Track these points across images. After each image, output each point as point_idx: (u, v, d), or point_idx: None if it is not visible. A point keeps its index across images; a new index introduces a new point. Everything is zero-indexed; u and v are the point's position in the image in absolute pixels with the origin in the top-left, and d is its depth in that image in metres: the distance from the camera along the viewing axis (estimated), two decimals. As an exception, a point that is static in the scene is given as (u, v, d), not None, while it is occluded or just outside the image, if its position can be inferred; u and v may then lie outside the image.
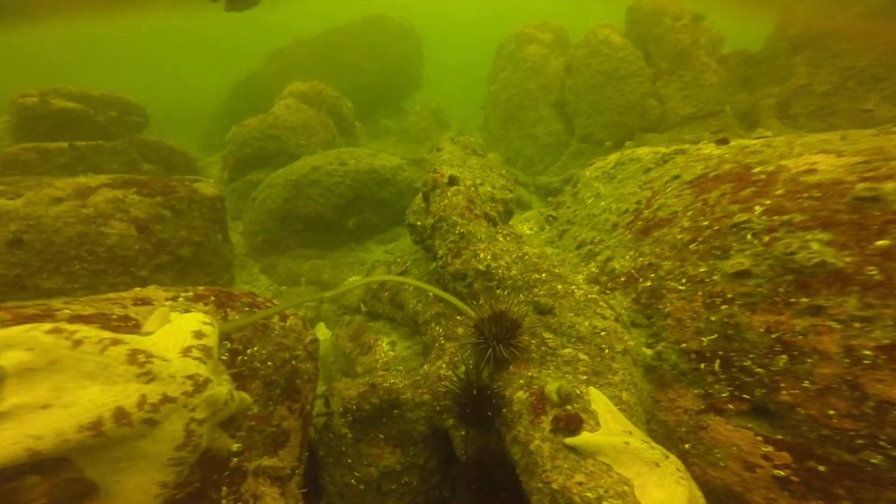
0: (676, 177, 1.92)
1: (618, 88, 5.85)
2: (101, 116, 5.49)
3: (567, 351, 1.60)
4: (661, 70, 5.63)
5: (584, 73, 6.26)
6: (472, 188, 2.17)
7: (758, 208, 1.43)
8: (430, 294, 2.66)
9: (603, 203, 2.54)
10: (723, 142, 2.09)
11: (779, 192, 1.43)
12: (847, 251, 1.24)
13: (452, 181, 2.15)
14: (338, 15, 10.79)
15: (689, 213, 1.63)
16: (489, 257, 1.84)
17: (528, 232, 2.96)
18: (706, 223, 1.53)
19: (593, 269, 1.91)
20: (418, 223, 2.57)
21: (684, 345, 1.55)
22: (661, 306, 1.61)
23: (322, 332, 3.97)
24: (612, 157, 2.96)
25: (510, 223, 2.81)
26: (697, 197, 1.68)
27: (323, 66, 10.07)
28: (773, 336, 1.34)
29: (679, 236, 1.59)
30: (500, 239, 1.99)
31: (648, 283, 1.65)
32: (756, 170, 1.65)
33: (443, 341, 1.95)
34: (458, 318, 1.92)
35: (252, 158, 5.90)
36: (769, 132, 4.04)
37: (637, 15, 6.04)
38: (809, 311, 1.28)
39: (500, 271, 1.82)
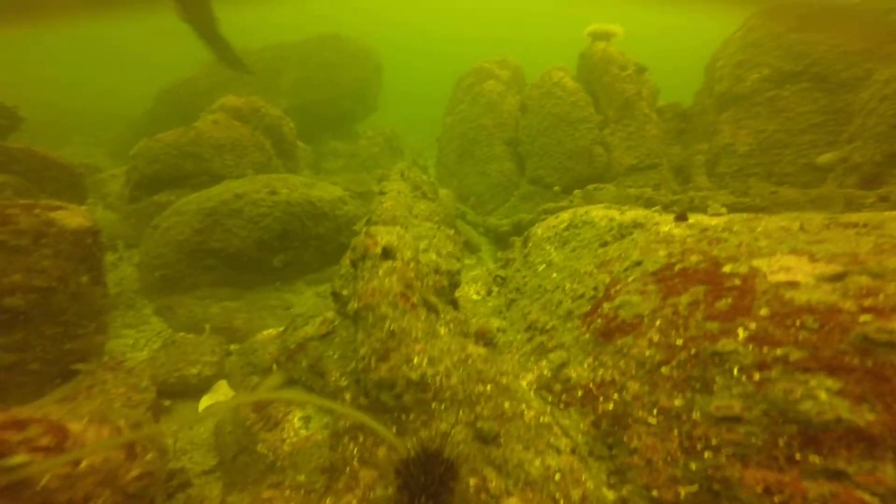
0: (638, 263, 1.64)
1: (568, 133, 5.83)
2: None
3: (512, 501, 1.20)
4: (609, 118, 5.69)
5: (537, 114, 6.21)
6: (413, 262, 1.75)
7: (741, 332, 1.15)
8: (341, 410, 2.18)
9: (555, 275, 2.22)
10: (681, 218, 1.87)
11: (762, 311, 1.17)
12: (867, 406, 0.96)
13: (387, 253, 1.72)
14: (297, 28, 10.25)
15: (658, 323, 1.33)
16: (425, 362, 1.42)
17: (475, 297, 2.59)
18: (680, 342, 1.23)
19: (545, 373, 1.55)
20: (344, 292, 2.09)
21: (655, 492, 1.21)
22: (626, 438, 1.26)
23: (223, 392, 3.29)
24: (565, 216, 2.69)
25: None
26: (665, 299, 1.39)
27: (268, 80, 9.40)
28: (776, 499, 1.02)
29: (647, 352, 1.28)
30: (442, 332, 1.58)
31: (611, 406, 1.31)
32: (727, 269, 1.40)
33: (356, 465, 1.47)
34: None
35: (163, 177, 5.10)
36: (704, 191, 4.06)
37: (587, 61, 6.13)
38: (825, 474, 0.98)
39: (437, 379, 1.40)
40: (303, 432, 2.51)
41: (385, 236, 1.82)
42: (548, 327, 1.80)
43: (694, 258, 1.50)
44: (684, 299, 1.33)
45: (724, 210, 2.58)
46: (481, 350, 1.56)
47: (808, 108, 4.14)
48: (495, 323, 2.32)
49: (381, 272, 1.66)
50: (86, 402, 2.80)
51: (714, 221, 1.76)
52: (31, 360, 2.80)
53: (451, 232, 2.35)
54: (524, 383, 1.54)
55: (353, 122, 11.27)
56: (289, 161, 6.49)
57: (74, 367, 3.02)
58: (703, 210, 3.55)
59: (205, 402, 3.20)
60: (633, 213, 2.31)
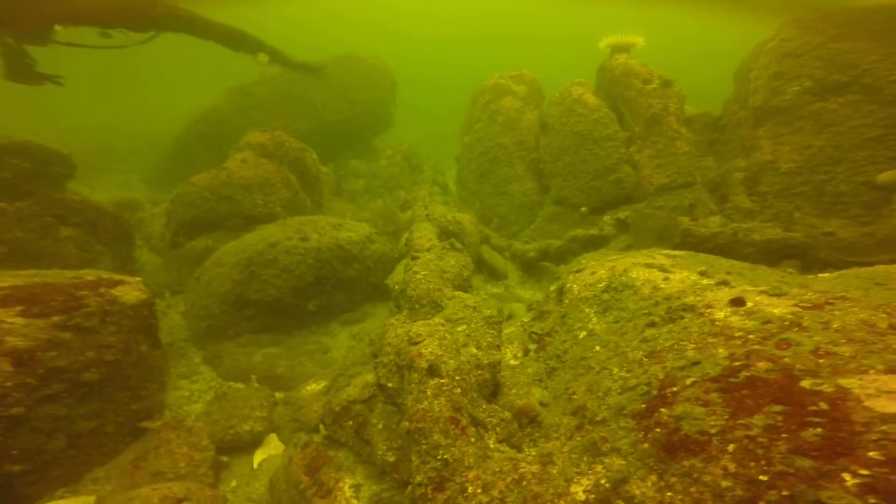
0: (695, 363, 1.59)
1: (592, 151, 5.69)
2: (6, 170, 4.66)
3: None
4: (635, 134, 5.52)
5: (559, 132, 6.09)
6: (458, 375, 1.75)
7: (848, 478, 1.08)
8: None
9: (598, 349, 2.18)
10: (738, 303, 1.79)
11: (872, 454, 1.10)
12: None
13: (433, 370, 1.72)
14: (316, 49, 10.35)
15: (732, 448, 1.28)
16: (479, 490, 1.43)
17: (513, 362, 2.57)
18: (765, 478, 1.17)
19: (603, 482, 1.52)
20: (389, 385, 2.11)
21: None
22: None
23: (274, 445, 3.40)
24: (602, 275, 2.63)
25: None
26: (735, 417, 1.34)
27: (287, 104, 9.55)
28: None
29: (724, 483, 1.23)
30: (493, 451, 1.58)
31: (684, 541, 1.27)
32: (806, 384, 1.33)
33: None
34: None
35: (200, 222, 5.27)
36: (748, 224, 3.89)
37: (608, 75, 5.95)
38: None
39: None
40: (354, 502, 2.58)
41: (429, 345, 1.82)
42: (597, 418, 1.77)
43: (762, 365, 1.44)
44: (758, 421, 1.28)
45: (792, 271, 2.46)
46: (534, 468, 1.55)
47: (860, 122, 3.86)
48: (537, 393, 2.30)
49: (429, 392, 1.66)
50: (155, 462, 2.96)
51: (777, 311, 1.68)
52: (107, 424, 2.97)
53: (489, 312, 2.32)
54: (580, 490, 1.53)
55: (370, 139, 11.35)
56: (313, 192, 6.59)
57: (142, 425, 3.20)
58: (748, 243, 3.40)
59: (258, 456, 3.32)
60: (678, 280, 2.24)
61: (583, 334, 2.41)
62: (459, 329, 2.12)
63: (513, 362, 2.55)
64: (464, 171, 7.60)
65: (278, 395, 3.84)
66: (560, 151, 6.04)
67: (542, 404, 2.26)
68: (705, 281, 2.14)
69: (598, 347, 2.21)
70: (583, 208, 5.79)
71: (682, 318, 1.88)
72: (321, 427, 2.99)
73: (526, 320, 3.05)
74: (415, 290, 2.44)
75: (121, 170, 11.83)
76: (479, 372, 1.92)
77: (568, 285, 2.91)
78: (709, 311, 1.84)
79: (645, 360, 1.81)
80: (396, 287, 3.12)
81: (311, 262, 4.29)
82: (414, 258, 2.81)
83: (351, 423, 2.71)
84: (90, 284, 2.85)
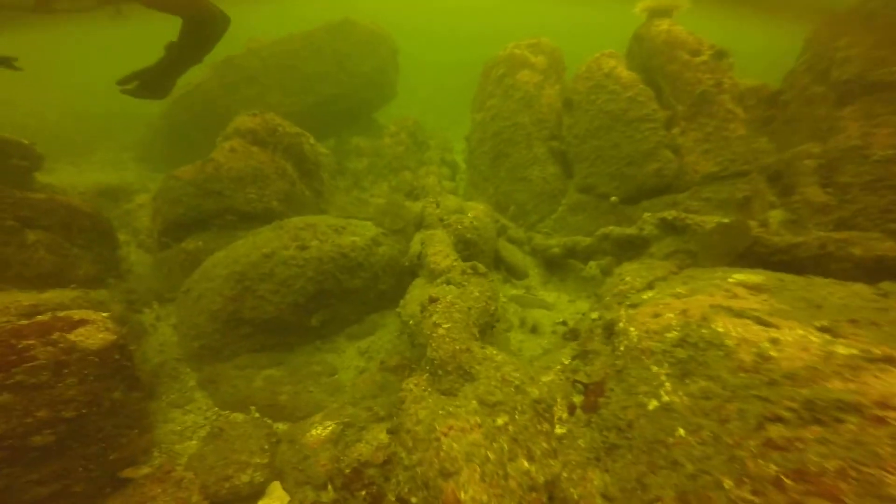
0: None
1: (626, 134, 5.00)
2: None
3: None
4: (678, 114, 4.80)
5: (586, 112, 5.36)
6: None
7: None
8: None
9: (683, 433, 1.68)
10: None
11: None
12: None
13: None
14: (303, 17, 9.32)
15: None
16: None
17: (559, 429, 2.09)
18: None
19: None
20: (413, 499, 1.64)
21: None
22: None
23: (277, 496, 3.02)
24: (671, 320, 2.10)
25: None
26: None
27: (280, 77, 8.70)
28: None
29: None
30: None
31: None
32: None
33: None
34: None
35: (187, 220, 4.71)
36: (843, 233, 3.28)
37: (646, 45, 5.14)
38: None
39: None
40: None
41: (468, 484, 1.33)
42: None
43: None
44: None
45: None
46: None
47: None
48: (596, 479, 1.84)
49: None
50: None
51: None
52: (75, 483, 2.57)
53: (536, 393, 1.81)
54: None
55: (371, 112, 10.52)
56: (312, 180, 5.96)
57: (123, 474, 2.81)
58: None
59: (262, 507, 2.96)
60: (796, 345, 1.68)
61: (653, 404, 1.91)
62: (500, 422, 1.63)
63: (559, 429, 2.08)
64: (475, 152, 6.90)
65: (281, 427, 3.44)
66: (587, 133, 5.34)
67: (606, 499, 1.80)
68: (842, 349, 1.59)
69: (681, 431, 1.72)
70: (613, 198, 5.17)
71: (839, 420, 1.36)
72: (329, 487, 2.58)
73: (566, 361, 2.55)
74: (437, 352, 1.95)
75: (112, 148, 11.13)
76: (535, 496, 1.45)
77: (621, 325, 2.38)
78: (890, 414, 1.31)
79: (786, 480, 1.31)
80: (411, 322, 2.63)
81: (311, 274, 3.78)
82: (432, 300, 2.29)
83: (364, 493, 2.29)
84: (39, 329, 2.36)
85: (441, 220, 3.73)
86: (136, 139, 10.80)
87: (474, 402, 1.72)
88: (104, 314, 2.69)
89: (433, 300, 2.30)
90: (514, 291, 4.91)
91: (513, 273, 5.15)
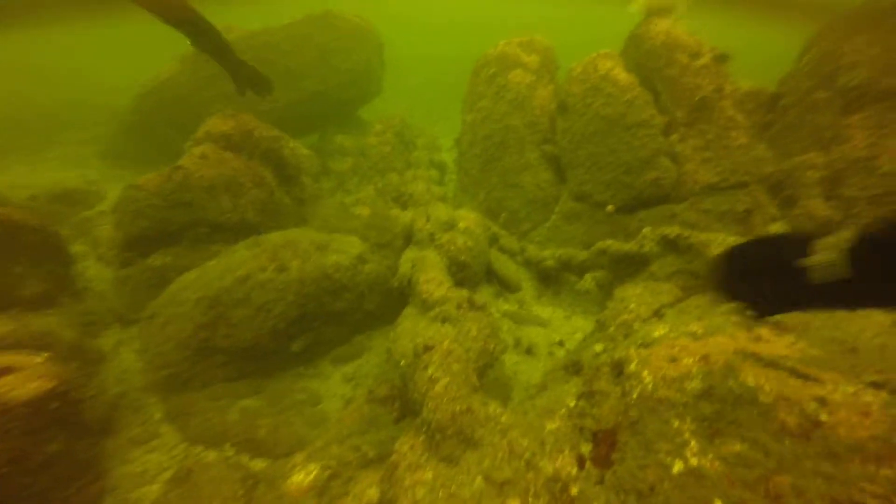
0: None
1: (624, 140, 4.79)
2: None
3: None
4: (676, 120, 4.62)
5: (582, 115, 5.14)
6: None
7: None
8: None
9: (717, 509, 1.49)
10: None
11: None
12: None
13: None
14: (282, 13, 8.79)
15: None
16: None
17: (573, 489, 1.87)
18: None
19: None
20: None
21: None
22: None
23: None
24: (691, 367, 1.89)
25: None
26: None
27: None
28: None
29: None
30: None
31: None
32: None
33: None
34: None
35: (153, 234, 4.32)
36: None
37: (643, 46, 4.93)
38: None
39: None
40: None
41: None
42: None
43: None
44: None
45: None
46: None
47: None
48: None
49: None
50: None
51: None
52: None
53: (549, 470, 1.59)
54: None
55: (356, 109, 10.11)
56: (293, 187, 5.61)
57: None
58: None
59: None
60: (849, 406, 1.50)
61: (678, 467, 1.70)
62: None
63: (573, 489, 1.86)
64: (466, 155, 6.62)
65: (258, 464, 3.16)
66: (582, 138, 5.12)
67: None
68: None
69: (718, 503, 1.51)
70: (609, 207, 4.98)
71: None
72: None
73: (571, 404, 2.33)
74: (435, 413, 1.70)
75: (71, 142, 10.28)
76: None
77: (633, 367, 2.16)
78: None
79: None
80: (402, 363, 2.37)
81: (292, 298, 3.47)
82: (427, 348, 2.03)
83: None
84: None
85: (432, 237, 3.47)
86: (102, 133, 10.06)
87: (479, 478, 1.48)
88: (41, 356, 2.35)
89: (427, 348, 2.05)
90: (507, 306, 4.68)
91: (505, 286, 4.92)
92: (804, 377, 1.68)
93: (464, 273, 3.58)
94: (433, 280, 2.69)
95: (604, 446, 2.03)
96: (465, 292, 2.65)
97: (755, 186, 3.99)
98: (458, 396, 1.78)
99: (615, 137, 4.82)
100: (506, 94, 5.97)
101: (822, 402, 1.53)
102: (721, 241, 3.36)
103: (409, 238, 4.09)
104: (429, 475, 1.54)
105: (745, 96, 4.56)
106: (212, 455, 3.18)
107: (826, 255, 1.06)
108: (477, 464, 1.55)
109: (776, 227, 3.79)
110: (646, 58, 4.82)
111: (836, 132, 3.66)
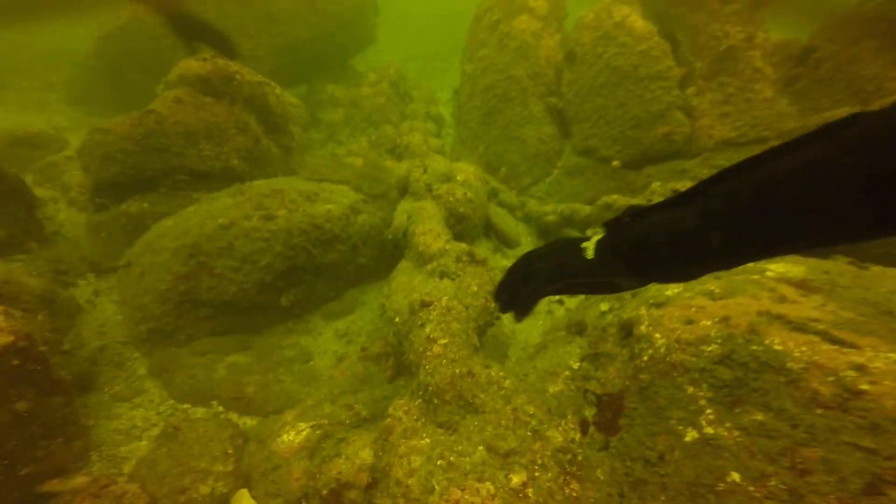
0: None
1: (635, 93, 4.43)
2: None
3: None
4: (695, 71, 4.25)
5: (591, 66, 4.73)
6: None
7: None
8: None
9: (737, 477, 1.36)
10: None
11: None
12: None
13: None
14: None
15: None
16: None
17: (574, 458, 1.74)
18: None
19: None
20: None
21: None
22: None
23: (246, 501, 2.68)
24: (709, 329, 1.72)
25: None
26: None
27: (240, 16, 7.47)
28: None
29: None
30: None
31: None
32: None
33: None
34: None
35: (125, 180, 3.95)
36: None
37: (665, -12, 4.46)
38: None
39: None
40: None
41: None
42: None
43: None
44: None
45: None
46: None
47: None
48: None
49: None
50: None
51: None
52: None
53: (558, 440, 1.43)
54: None
55: (347, 58, 9.38)
56: (281, 136, 5.19)
57: (44, 488, 2.37)
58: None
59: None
60: (886, 367, 1.34)
61: (692, 435, 1.57)
62: (517, 481, 1.24)
63: (558, 440, 1.72)
64: (465, 107, 6.19)
65: (248, 422, 3.05)
66: (591, 91, 4.74)
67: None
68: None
69: (735, 476, 1.38)
70: (614, 162, 4.69)
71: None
72: None
73: (575, 366, 2.19)
74: (433, 377, 1.52)
75: (33, 88, 9.37)
76: None
77: (643, 328, 2.00)
78: None
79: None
80: (397, 320, 2.18)
81: (279, 248, 3.22)
82: (425, 304, 1.83)
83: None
84: None
85: (430, 188, 3.19)
86: (65, 79, 9.17)
87: (481, 448, 1.33)
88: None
89: (425, 304, 1.85)
90: (505, 262, 4.50)
91: (504, 241, 4.72)
92: (839, 342, 1.52)
93: (462, 226, 3.34)
94: (431, 232, 2.47)
95: (609, 411, 1.90)
96: (464, 245, 2.43)
97: (775, 142, 3.72)
98: (458, 358, 1.60)
99: (626, 90, 4.45)
100: (510, 43, 5.47)
101: (862, 369, 1.37)
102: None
103: (404, 189, 3.80)
104: (425, 442, 1.39)
105: (775, 48, 4.16)
106: (200, 412, 3.06)
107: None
108: (479, 431, 1.40)
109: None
110: (667, 3, 4.35)
111: (881, 84, 3.33)
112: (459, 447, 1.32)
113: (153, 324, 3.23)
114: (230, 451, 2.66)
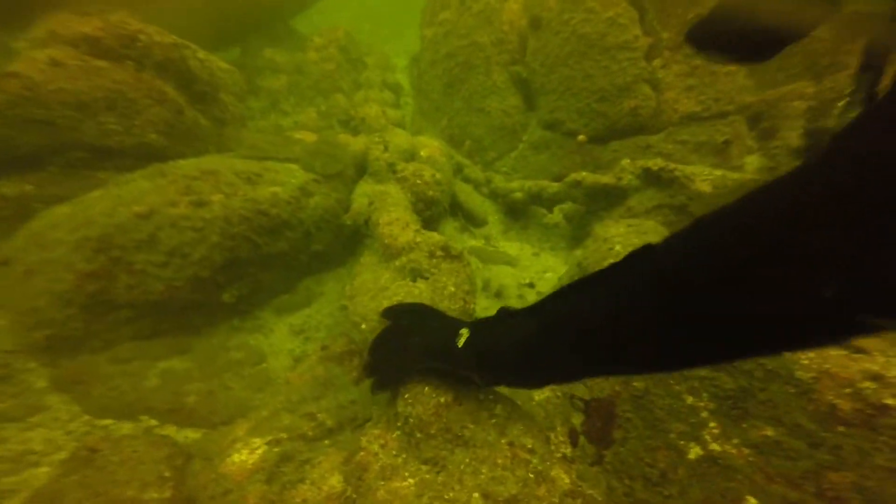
0: None
1: (602, 64, 4.16)
2: None
3: None
4: (661, 42, 4.04)
5: (557, 34, 4.37)
6: None
7: None
8: None
9: (753, 502, 1.21)
10: None
11: None
12: None
13: None
14: None
15: None
16: None
17: (564, 480, 1.54)
18: None
19: None
20: None
21: None
22: None
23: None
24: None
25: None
26: None
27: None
28: None
29: None
30: None
31: None
32: None
33: None
34: None
35: None
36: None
37: (632, -52, 4.12)
38: None
39: None
40: None
41: None
42: None
43: None
44: None
45: None
46: None
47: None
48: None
49: None
50: None
51: None
52: None
53: (565, 484, 1.19)
54: None
55: (288, 18, 8.26)
56: (210, 106, 4.38)
57: None
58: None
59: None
60: None
61: (695, 452, 1.41)
62: None
63: (564, 482, 1.53)
64: (425, 76, 5.65)
65: (190, 435, 2.62)
66: (556, 60, 4.42)
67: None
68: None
69: (752, 501, 1.23)
70: (580, 136, 4.47)
71: None
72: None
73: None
74: (413, 408, 1.22)
75: None
76: None
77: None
78: None
79: None
80: (363, 327, 1.83)
81: (216, 239, 2.70)
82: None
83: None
84: None
85: (392, 168, 2.78)
86: None
87: (476, 495, 1.07)
88: None
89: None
90: (472, 242, 4.23)
91: (471, 220, 4.43)
92: (845, 346, 1.38)
93: (431, 211, 3.00)
94: (397, 222, 2.10)
95: (598, 419, 1.71)
96: (437, 237, 2.10)
97: (735, 117, 3.64)
98: (441, 383, 1.32)
99: (592, 60, 4.17)
100: (473, 6, 4.96)
101: (880, 380, 1.23)
102: (707, 174, 3.02)
103: (361, 168, 3.35)
104: (409, 484, 1.11)
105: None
106: (126, 428, 2.57)
107: None
108: (472, 473, 1.14)
109: (751, 160, 3.53)
110: (635, -36, 4.03)
111: (834, 59, 3.29)
112: (451, 493, 1.06)
113: (54, 329, 2.62)
114: (167, 474, 2.23)
